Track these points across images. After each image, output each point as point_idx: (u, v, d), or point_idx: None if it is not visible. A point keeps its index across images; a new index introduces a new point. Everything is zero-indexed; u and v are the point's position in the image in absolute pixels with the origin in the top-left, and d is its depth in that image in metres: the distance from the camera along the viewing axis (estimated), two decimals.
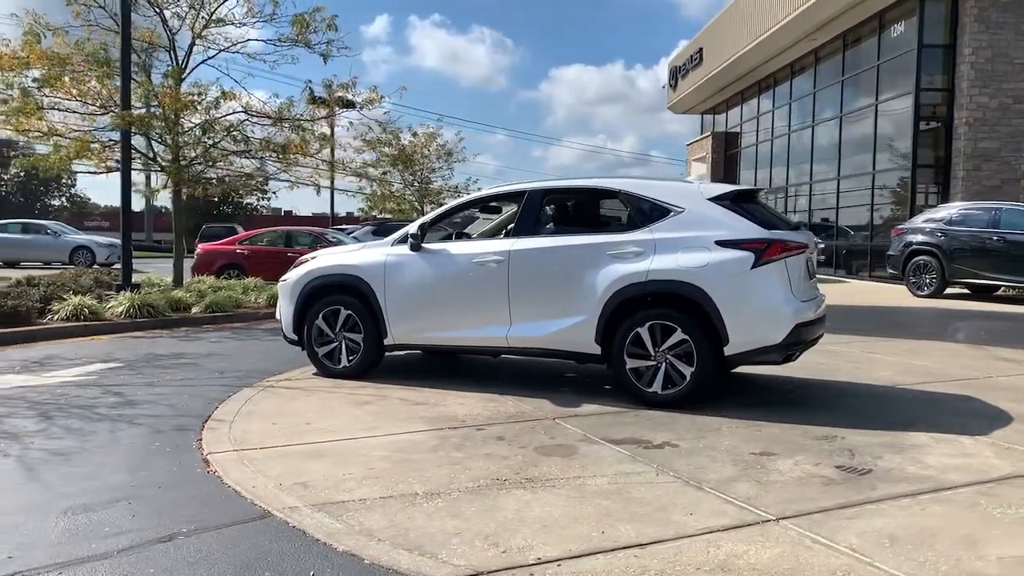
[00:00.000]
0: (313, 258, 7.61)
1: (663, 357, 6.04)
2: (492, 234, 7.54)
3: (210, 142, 14.82)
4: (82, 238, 27.74)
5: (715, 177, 34.26)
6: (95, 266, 22.74)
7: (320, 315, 7.22)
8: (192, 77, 14.91)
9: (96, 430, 5.44)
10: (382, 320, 6.98)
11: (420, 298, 6.88)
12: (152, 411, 5.97)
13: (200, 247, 19.03)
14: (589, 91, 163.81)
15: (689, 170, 38.96)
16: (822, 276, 19.93)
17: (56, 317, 10.82)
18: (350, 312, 7.10)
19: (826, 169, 24.93)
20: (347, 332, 7.15)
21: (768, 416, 5.74)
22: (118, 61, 12.96)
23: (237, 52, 15.68)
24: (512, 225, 6.89)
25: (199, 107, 14.09)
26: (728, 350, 5.92)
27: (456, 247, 6.94)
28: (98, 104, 13.23)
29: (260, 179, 20.77)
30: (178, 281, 14.88)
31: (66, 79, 12.57)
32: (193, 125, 14.70)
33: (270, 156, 15.82)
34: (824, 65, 25.06)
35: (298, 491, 4.13)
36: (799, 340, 6.09)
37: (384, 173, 39.89)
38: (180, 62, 14.40)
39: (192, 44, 14.37)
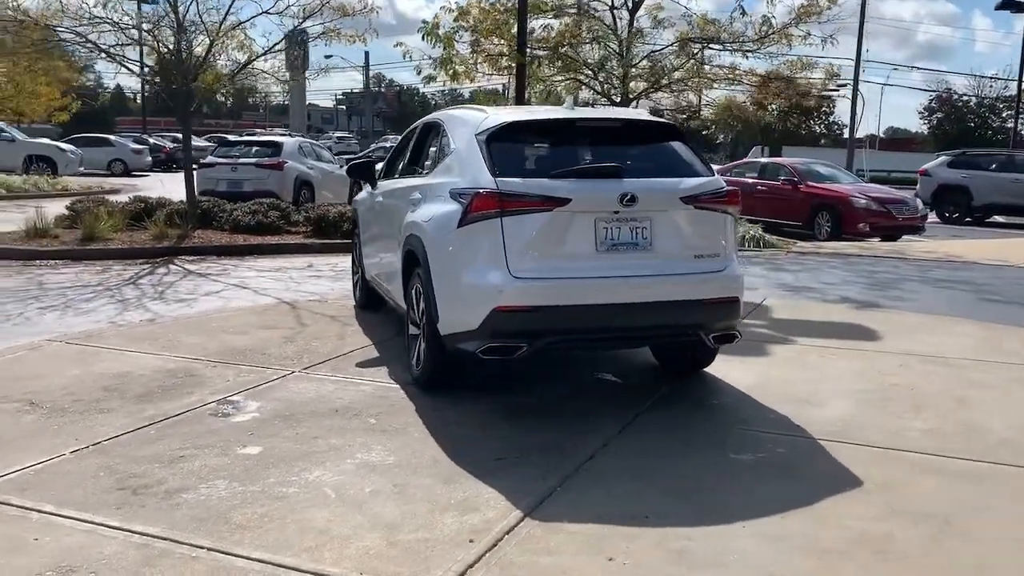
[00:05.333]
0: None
1: (423, 328, 4.98)
2: None
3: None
4: None
5: None
6: None
7: (354, 248, 7.62)
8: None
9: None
10: (361, 257, 7.07)
11: (366, 239, 6.79)
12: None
13: None
14: None
15: None
16: None
17: None
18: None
19: None
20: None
21: (496, 420, 4.51)
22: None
23: None
24: None
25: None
26: (441, 328, 4.58)
27: (381, 186, 6.53)
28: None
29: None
30: None
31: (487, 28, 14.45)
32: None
33: None
34: None
35: None
36: (520, 330, 4.31)
37: None
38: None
39: None
